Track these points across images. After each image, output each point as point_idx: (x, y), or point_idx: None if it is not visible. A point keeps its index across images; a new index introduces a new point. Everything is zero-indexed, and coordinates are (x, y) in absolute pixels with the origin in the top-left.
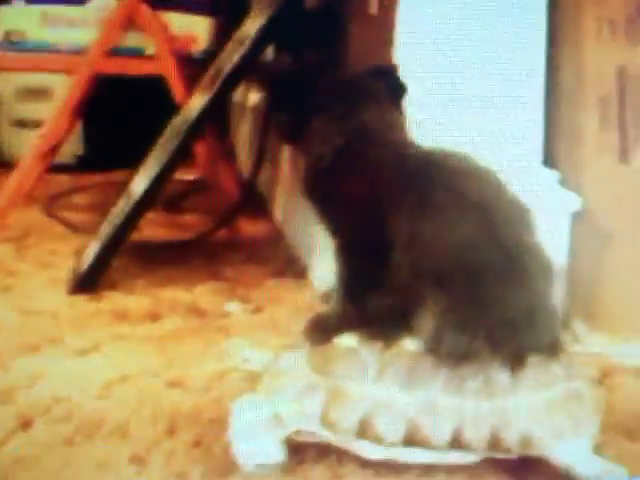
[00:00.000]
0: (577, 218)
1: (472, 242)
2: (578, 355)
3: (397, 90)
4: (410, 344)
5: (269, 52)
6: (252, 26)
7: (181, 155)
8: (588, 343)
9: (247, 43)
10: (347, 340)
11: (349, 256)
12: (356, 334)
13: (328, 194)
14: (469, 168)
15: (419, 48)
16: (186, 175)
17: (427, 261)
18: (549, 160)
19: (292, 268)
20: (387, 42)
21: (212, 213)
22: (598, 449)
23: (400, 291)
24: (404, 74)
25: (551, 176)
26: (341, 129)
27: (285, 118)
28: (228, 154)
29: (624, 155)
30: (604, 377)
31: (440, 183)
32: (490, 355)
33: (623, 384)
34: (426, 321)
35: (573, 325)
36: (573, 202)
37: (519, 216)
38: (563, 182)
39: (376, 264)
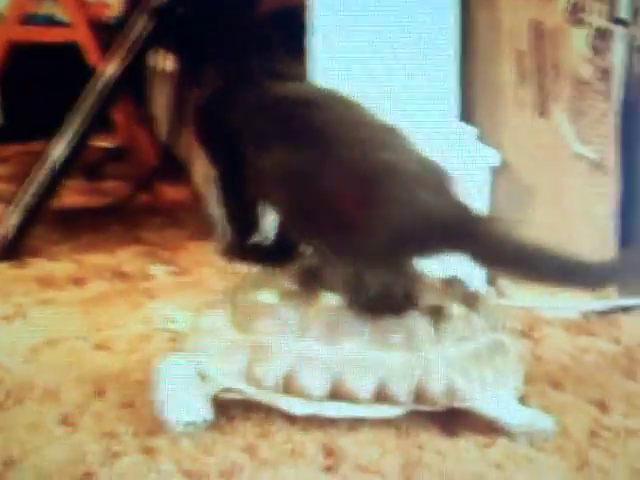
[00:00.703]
0: (497, 174)
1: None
2: (504, 309)
3: (299, 32)
4: (331, 299)
5: None
6: None
7: (97, 121)
8: (514, 297)
9: (156, 10)
10: (268, 297)
11: (225, 189)
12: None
13: (205, 130)
14: (332, 101)
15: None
16: (105, 142)
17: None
18: (468, 116)
19: (213, 231)
20: None
21: (132, 179)
22: (525, 400)
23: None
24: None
25: (469, 132)
26: (222, 73)
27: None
28: (147, 120)
29: (543, 110)
30: (530, 330)
31: (297, 116)
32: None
33: (549, 336)
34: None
35: (498, 280)
36: (492, 157)
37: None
38: (482, 138)
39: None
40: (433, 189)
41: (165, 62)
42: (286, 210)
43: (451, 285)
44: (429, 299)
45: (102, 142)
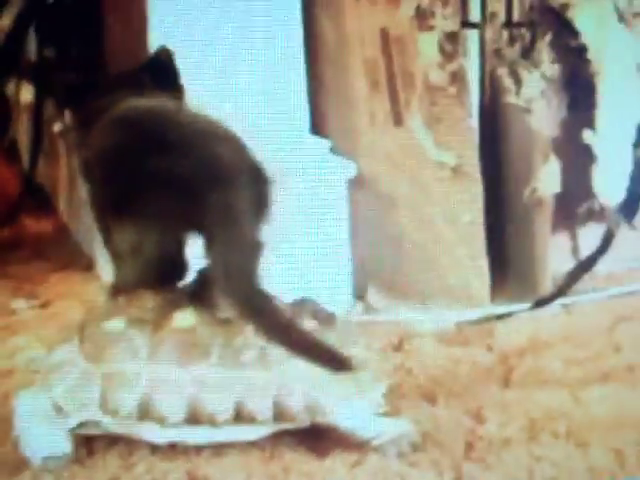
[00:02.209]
0: (355, 185)
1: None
2: (375, 324)
3: (171, 72)
4: (180, 321)
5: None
6: (6, 19)
7: None
8: (384, 311)
9: (2, 36)
10: (116, 324)
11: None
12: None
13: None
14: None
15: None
16: None
17: None
18: (320, 128)
19: (78, 262)
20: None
21: None
22: (397, 414)
23: None
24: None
25: (322, 144)
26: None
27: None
28: (9, 151)
29: (397, 119)
30: (401, 343)
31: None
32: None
33: (421, 349)
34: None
35: (367, 294)
36: (347, 169)
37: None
38: (336, 149)
39: None
40: None
41: (24, 93)
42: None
43: (303, 305)
44: None
45: None
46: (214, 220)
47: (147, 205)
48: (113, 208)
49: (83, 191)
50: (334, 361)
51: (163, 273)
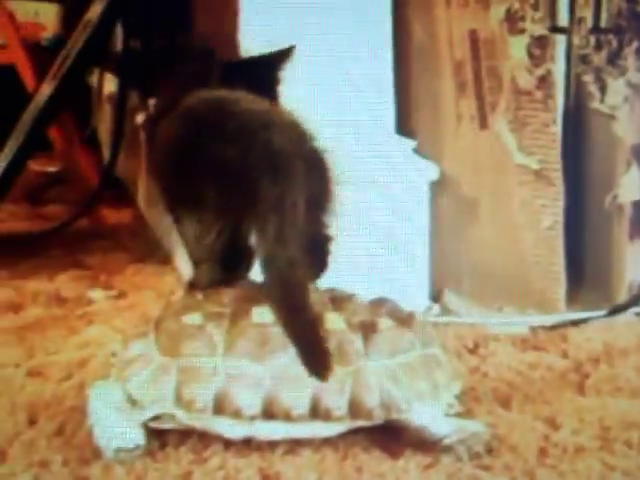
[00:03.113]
0: (438, 187)
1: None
2: (451, 326)
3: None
4: (258, 316)
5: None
6: (95, 10)
7: (33, 142)
8: (460, 313)
9: (90, 27)
10: (193, 318)
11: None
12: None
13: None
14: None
15: (266, 21)
16: (48, 166)
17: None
18: (406, 129)
19: (155, 254)
20: (233, 17)
21: (75, 203)
22: (470, 415)
23: None
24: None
25: (406, 145)
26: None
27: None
28: (91, 142)
29: (483, 122)
30: (476, 347)
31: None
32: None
33: (496, 353)
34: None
35: (444, 296)
36: (430, 171)
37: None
38: (421, 151)
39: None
40: None
41: (107, 84)
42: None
43: (381, 304)
44: (359, 315)
45: (45, 167)
46: (265, 208)
47: (205, 194)
48: (178, 200)
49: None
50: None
51: (228, 264)
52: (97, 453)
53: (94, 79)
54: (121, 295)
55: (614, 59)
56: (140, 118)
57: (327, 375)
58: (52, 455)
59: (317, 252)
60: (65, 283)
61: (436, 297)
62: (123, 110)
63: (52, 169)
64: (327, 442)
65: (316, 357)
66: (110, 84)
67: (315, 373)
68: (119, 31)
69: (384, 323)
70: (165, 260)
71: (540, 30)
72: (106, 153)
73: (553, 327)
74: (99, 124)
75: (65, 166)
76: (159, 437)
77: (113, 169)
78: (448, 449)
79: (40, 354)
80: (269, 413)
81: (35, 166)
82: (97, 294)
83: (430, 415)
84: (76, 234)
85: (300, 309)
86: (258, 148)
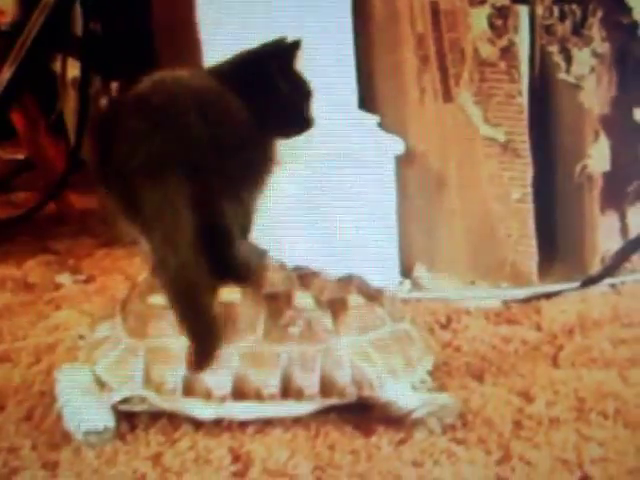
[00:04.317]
0: (404, 162)
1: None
2: (422, 301)
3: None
4: (225, 295)
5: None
6: None
7: None
8: (431, 289)
9: (47, 9)
10: (159, 299)
11: None
12: None
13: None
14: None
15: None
16: (16, 154)
17: None
18: (369, 104)
19: (122, 238)
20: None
21: (43, 189)
22: (444, 390)
23: None
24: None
25: (370, 120)
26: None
27: None
28: (58, 127)
29: (447, 95)
30: (449, 321)
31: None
32: None
33: (468, 327)
34: None
35: (415, 271)
36: (395, 145)
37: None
38: (385, 125)
39: None
40: None
41: (71, 68)
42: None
43: (349, 281)
44: (328, 293)
45: (12, 154)
46: (148, 216)
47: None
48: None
49: None
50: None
51: None
52: (67, 437)
53: (58, 64)
54: (89, 279)
55: (579, 29)
56: (104, 102)
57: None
58: (21, 440)
59: (215, 247)
60: (33, 269)
61: (407, 272)
62: (86, 93)
63: (19, 156)
64: (298, 421)
65: (204, 358)
66: (74, 69)
67: (194, 368)
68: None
69: (353, 300)
70: (133, 243)
71: (502, 1)
72: (72, 138)
73: (526, 300)
74: (65, 109)
75: (31, 153)
76: (128, 419)
77: (79, 153)
78: (419, 423)
79: (8, 340)
80: (240, 393)
81: (2, 153)
82: (65, 279)
83: (398, 389)
84: (44, 220)
85: (194, 313)
86: (140, 154)
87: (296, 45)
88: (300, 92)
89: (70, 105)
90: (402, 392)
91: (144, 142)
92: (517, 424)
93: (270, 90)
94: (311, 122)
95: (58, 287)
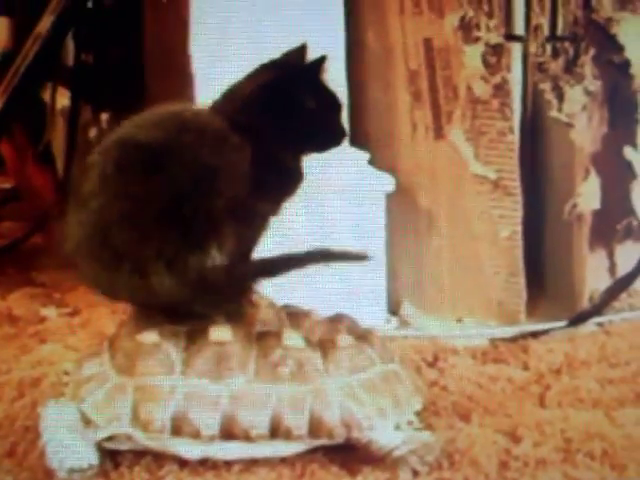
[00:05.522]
0: (394, 199)
1: None
2: (410, 338)
3: None
4: (215, 334)
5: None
6: (45, 23)
7: None
8: (419, 326)
9: (40, 40)
10: (149, 336)
11: None
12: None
13: None
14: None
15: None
16: (2, 183)
17: None
18: (360, 140)
19: None
20: (182, 27)
21: (29, 219)
22: (430, 430)
23: None
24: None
25: (361, 157)
26: None
27: None
28: (46, 157)
29: (438, 132)
30: (435, 360)
31: None
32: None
33: (455, 366)
34: None
35: (402, 308)
36: (386, 182)
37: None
38: (376, 162)
39: None
40: None
41: (61, 98)
42: None
43: (339, 320)
44: (317, 332)
45: None
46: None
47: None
48: None
49: None
50: None
51: None
52: (49, 474)
53: (47, 93)
54: (75, 312)
55: (571, 67)
56: (93, 133)
57: None
58: (3, 476)
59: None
60: (18, 301)
61: (394, 309)
62: (76, 123)
63: (6, 185)
64: (284, 460)
65: None
66: (63, 98)
67: None
68: (71, 45)
69: (343, 340)
70: None
71: (495, 38)
72: (61, 168)
73: (513, 339)
74: (53, 138)
75: (18, 182)
76: (113, 457)
77: (67, 183)
78: (401, 462)
79: None
80: (228, 433)
81: None
82: (50, 312)
83: (380, 428)
84: (29, 251)
85: None
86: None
87: (322, 60)
88: (330, 105)
89: (59, 135)
90: (384, 431)
91: None
92: (503, 464)
93: (300, 109)
94: (345, 133)
95: (43, 320)
